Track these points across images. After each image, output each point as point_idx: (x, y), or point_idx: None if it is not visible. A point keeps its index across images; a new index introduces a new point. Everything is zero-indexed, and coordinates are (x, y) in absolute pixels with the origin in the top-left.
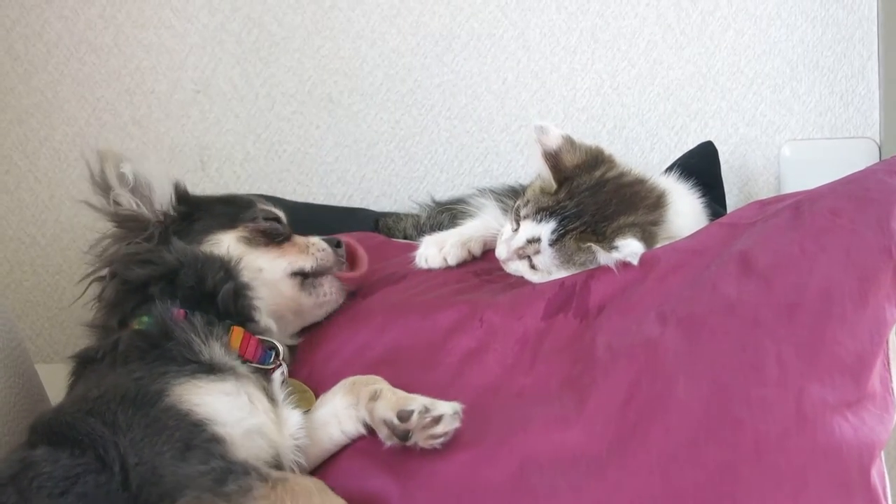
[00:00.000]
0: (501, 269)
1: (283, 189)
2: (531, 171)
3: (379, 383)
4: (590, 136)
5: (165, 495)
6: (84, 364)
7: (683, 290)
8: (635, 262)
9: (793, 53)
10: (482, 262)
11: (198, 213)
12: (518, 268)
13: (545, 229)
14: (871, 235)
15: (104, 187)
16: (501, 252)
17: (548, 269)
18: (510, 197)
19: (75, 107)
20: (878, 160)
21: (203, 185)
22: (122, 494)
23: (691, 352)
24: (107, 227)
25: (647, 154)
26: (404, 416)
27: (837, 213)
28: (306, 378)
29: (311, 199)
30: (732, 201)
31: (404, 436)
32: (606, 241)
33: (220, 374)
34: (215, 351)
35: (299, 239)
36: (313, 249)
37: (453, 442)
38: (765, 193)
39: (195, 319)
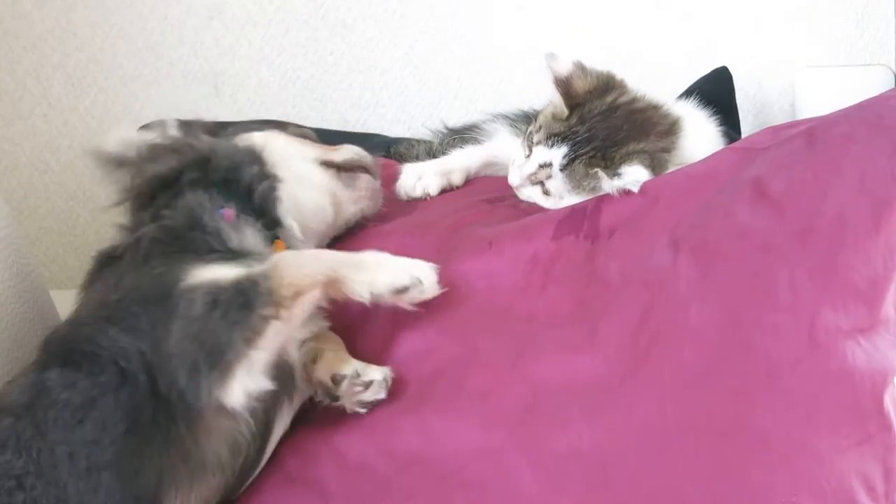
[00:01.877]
0: (514, 197)
1: (297, 115)
2: (545, 97)
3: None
4: (603, 63)
5: (198, 367)
6: (103, 264)
7: (696, 216)
8: (636, 189)
9: None
10: (495, 188)
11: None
12: (531, 194)
13: (556, 154)
14: (885, 161)
15: (119, 160)
16: (514, 178)
17: (560, 194)
18: (523, 122)
19: (88, 33)
20: (892, 87)
21: (217, 112)
22: (149, 405)
23: (704, 278)
24: None
25: (661, 82)
26: (337, 379)
27: (851, 139)
28: None
29: (324, 126)
30: (747, 128)
31: (335, 398)
32: (613, 166)
33: (248, 259)
34: (248, 238)
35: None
36: (344, 149)
37: (466, 365)
38: (779, 120)
39: (241, 222)
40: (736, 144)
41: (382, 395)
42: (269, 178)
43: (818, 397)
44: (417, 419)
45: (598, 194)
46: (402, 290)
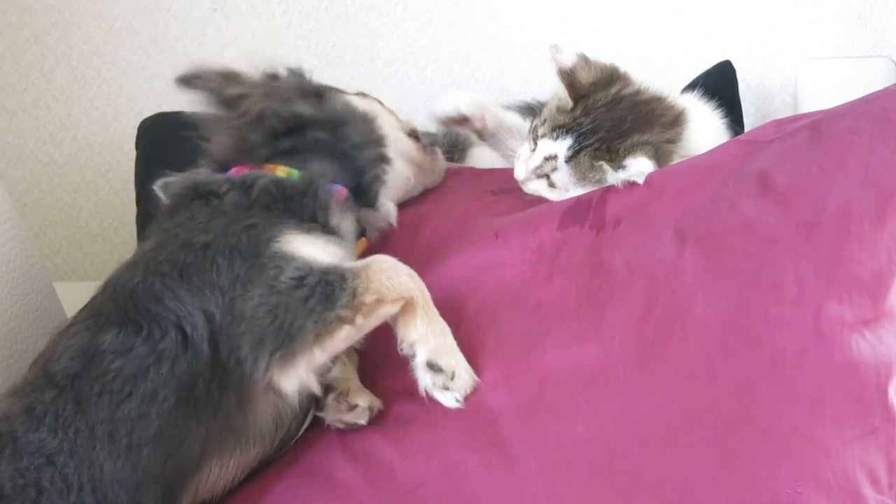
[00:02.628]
0: (519, 189)
1: None
2: (548, 89)
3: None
4: (606, 55)
5: (264, 342)
6: (196, 195)
7: (701, 208)
8: (641, 181)
9: None
10: (500, 180)
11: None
12: (537, 187)
13: (561, 146)
14: (890, 154)
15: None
16: (520, 172)
17: (565, 186)
18: (526, 113)
19: (92, 25)
20: (895, 79)
21: None
22: (205, 376)
23: (709, 270)
24: None
25: (664, 75)
26: (327, 390)
27: (856, 133)
28: None
29: None
30: (749, 121)
31: (319, 407)
32: (618, 158)
33: (337, 238)
34: (345, 223)
35: None
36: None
37: (473, 355)
38: (782, 113)
39: (347, 203)
40: (741, 137)
41: (363, 421)
42: (382, 161)
43: (823, 389)
44: (424, 408)
45: (603, 186)
46: (437, 370)
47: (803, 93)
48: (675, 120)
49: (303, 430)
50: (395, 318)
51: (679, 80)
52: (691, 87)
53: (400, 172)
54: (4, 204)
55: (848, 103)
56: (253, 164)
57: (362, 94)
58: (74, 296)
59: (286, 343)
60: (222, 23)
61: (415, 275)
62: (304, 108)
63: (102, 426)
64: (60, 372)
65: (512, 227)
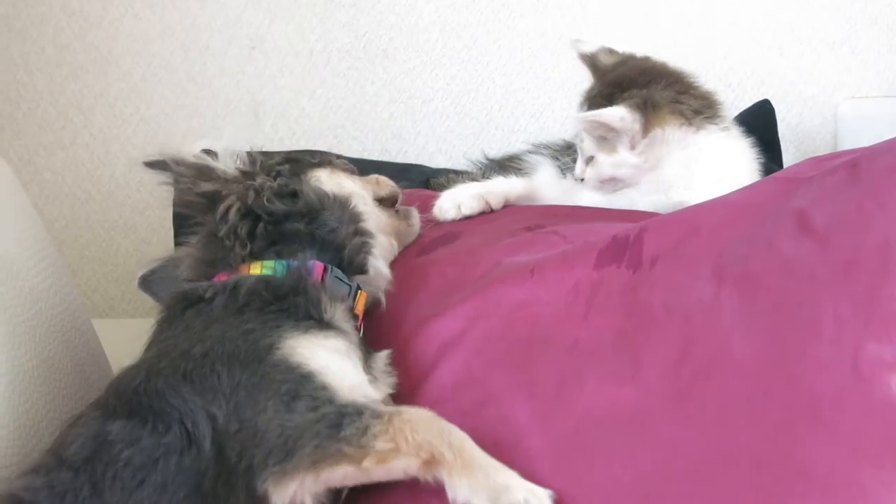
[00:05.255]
0: (553, 223)
1: (338, 145)
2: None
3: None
4: None
5: (271, 454)
6: (186, 304)
7: (738, 247)
8: (604, 120)
9: (851, 10)
10: (535, 216)
11: (282, 165)
12: (588, 175)
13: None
14: None
15: (198, 168)
16: (577, 170)
17: (592, 153)
18: (565, 153)
19: (130, 63)
20: None
21: (258, 142)
22: (212, 473)
23: (746, 310)
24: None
25: None
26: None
27: (895, 171)
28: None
29: (365, 156)
30: (789, 159)
31: None
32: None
33: (335, 332)
34: (338, 313)
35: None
36: (382, 181)
37: (509, 396)
38: (822, 151)
39: (329, 277)
40: (778, 174)
41: None
42: (364, 235)
43: (862, 430)
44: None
45: (612, 145)
46: None
47: (843, 131)
48: (705, 103)
49: None
50: (433, 476)
51: None
52: None
53: (382, 243)
54: (43, 241)
55: (887, 141)
56: (231, 269)
57: (325, 164)
58: (112, 333)
59: (286, 459)
60: (260, 61)
61: (448, 429)
62: (280, 207)
63: None
64: (73, 456)
65: (548, 266)
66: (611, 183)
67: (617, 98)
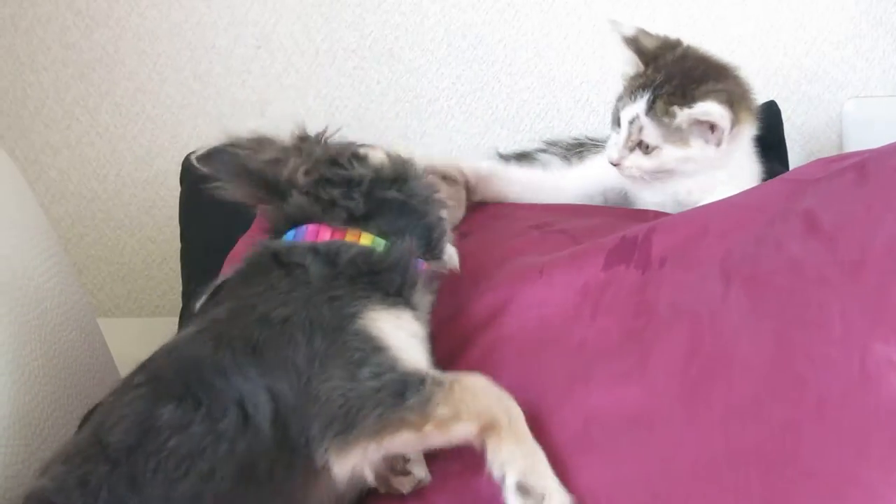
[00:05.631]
0: (561, 222)
1: None
2: (592, 127)
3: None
4: None
5: (332, 424)
6: (276, 264)
7: (746, 248)
8: (705, 119)
9: (855, 9)
10: (542, 214)
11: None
12: (634, 162)
13: (640, 103)
14: None
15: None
16: (612, 153)
17: (656, 143)
18: (576, 151)
19: (136, 61)
20: None
21: None
22: (267, 457)
23: (754, 310)
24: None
25: None
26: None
27: None
28: None
29: None
30: (794, 159)
31: None
32: (692, 102)
33: (417, 315)
34: (424, 302)
35: None
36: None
37: (517, 396)
38: (827, 151)
39: (425, 271)
40: (786, 176)
41: (405, 490)
42: (443, 214)
43: (868, 431)
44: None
45: (685, 138)
46: (527, 493)
47: (849, 131)
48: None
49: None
50: (482, 441)
51: None
52: None
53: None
54: (49, 240)
55: (894, 143)
56: (332, 225)
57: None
58: (118, 332)
59: (348, 428)
60: (266, 60)
61: (505, 396)
62: (362, 171)
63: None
64: (116, 444)
65: (557, 266)
66: (658, 175)
67: (692, 91)
